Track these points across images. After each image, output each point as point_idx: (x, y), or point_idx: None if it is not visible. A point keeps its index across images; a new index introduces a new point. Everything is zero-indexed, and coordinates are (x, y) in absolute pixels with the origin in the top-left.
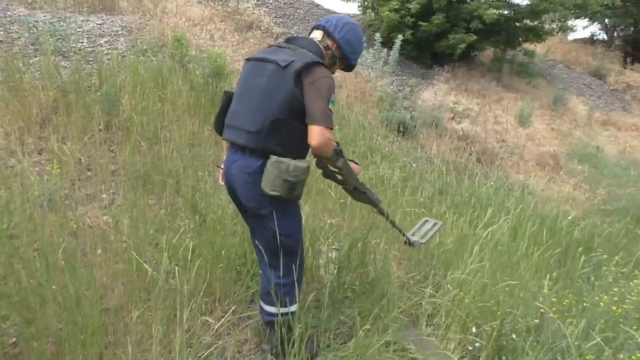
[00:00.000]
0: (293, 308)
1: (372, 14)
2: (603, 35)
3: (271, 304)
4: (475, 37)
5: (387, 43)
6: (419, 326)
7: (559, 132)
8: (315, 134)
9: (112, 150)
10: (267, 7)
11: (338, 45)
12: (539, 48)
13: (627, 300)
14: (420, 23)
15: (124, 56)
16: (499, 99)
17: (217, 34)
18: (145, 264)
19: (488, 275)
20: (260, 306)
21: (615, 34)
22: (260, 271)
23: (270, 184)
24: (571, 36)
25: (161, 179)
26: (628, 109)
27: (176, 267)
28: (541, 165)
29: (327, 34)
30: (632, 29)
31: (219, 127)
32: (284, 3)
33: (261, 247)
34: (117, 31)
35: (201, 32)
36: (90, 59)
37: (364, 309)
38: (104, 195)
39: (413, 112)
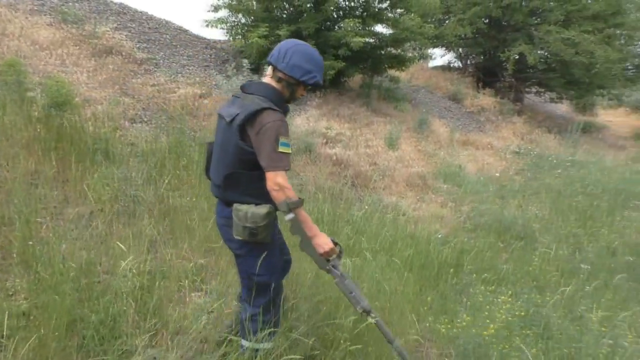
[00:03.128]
0: (261, 345)
1: (242, 40)
2: (458, 63)
3: (244, 337)
4: (343, 63)
5: (258, 70)
6: None
7: (425, 153)
8: (268, 180)
9: None
10: (129, 31)
11: (286, 74)
12: (404, 74)
13: (496, 319)
14: None
15: None
16: (369, 123)
17: (70, 60)
18: None
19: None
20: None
21: (468, 62)
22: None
23: (235, 229)
24: (431, 64)
25: None
26: (483, 129)
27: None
28: (411, 186)
29: (274, 67)
30: (482, 57)
31: (208, 175)
32: (149, 28)
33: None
34: None
35: (50, 57)
36: None
37: None
38: None
39: None
